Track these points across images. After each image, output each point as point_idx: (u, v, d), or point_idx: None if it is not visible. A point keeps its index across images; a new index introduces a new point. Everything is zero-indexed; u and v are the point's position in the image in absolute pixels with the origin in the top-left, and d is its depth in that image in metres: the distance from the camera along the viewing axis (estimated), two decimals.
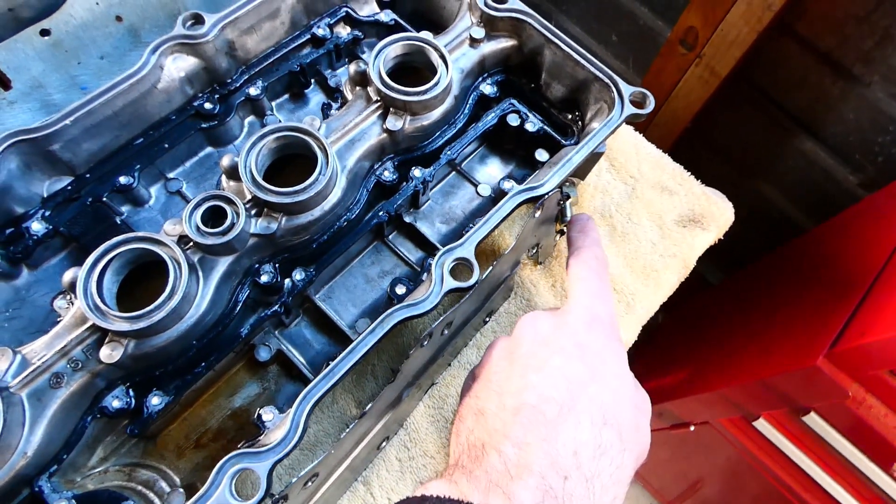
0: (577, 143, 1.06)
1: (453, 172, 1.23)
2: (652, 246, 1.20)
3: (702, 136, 2.59)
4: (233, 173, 0.95)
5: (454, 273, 0.92)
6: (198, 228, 0.90)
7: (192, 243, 0.91)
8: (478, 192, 1.20)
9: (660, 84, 2.49)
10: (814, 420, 1.35)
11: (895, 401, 1.21)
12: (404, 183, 1.11)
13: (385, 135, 1.07)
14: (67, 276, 0.78)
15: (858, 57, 1.97)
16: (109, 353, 0.77)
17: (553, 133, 1.18)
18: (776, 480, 1.64)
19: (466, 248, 0.93)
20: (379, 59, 1.05)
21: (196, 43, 1.04)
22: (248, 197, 0.95)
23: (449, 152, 1.14)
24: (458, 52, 1.14)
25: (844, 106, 2.11)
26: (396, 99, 1.03)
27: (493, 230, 0.95)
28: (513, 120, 1.19)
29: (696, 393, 1.81)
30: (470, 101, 1.18)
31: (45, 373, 0.74)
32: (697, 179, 1.29)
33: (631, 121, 1.09)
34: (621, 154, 1.30)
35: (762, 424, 1.55)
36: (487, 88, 1.20)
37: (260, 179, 0.93)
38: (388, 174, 1.10)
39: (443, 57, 1.07)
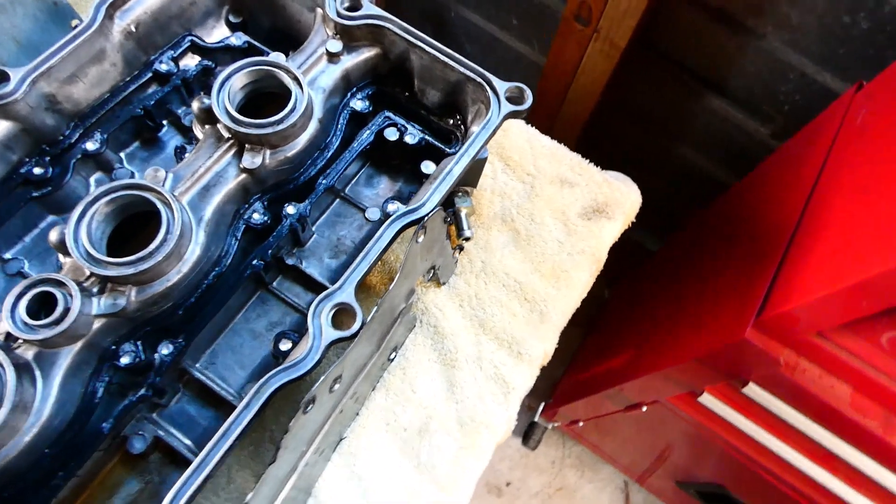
0: (457, 151, 0.98)
1: (337, 200, 1.12)
2: (559, 245, 1.14)
3: (617, 108, 2.57)
4: (63, 248, 0.82)
5: (336, 321, 0.82)
6: (24, 324, 0.77)
7: (20, 341, 0.78)
8: (366, 218, 1.10)
9: (564, 62, 2.44)
10: (753, 391, 1.32)
11: (827, 362, 1.19)
12: (280, 223, 0.99)
13: (245, 175, 0.95)
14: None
15: (749, 9, 1.95)
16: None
17: (435, 142, 1.09)
18: (733, 449, 1.62)
19: (345, 292, 0.83)
20: (223, 91, 0.93)
21: (3, 104, 0.90)
22: (87, 274, 0.83)
23: (325, 181, 1.04)
24: (317, 70, 1.04)
25: (743, 59, 2.10)
26: (249, 134, 0.92)
27: (374, 264, 0.86)
28: (391, 134, 1.09)
29: (642, 374, 1.77)
30: (341, 121, 1.08)
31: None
32: (598, 166, 1.23)
33: (512, 118, 1.01)
34: (515, 151, 1.22)
35: (707, 399, 1.52)
36: (358, 104, 1.10)
37: (94, 252, 0.80)
38: (257, 216, 0.99)
39: (295, 79, 0.96)
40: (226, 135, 0.95)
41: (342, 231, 1.10)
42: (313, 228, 1.09)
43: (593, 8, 2.15)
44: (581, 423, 2.64)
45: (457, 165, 0.94)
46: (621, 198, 1.19)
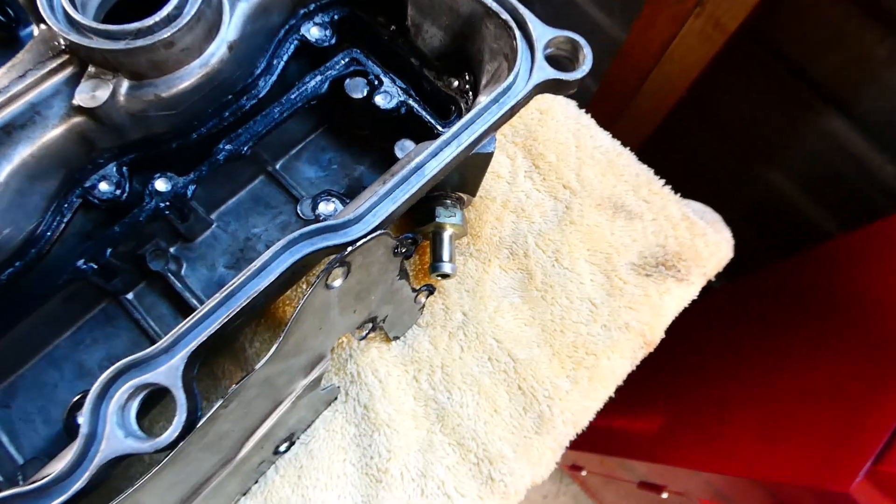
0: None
1: (262, 177, 0.72)
2: (591, 310, 0.71)
3: (699, 109, 2.08)
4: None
5: (143, 415, 0.43)
6: None
7: None
8: (298, 213, 0.70)
9: (649, 41, 1.96)
10: None
11: None
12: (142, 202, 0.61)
13: (81, 117, 0.56)
14: None
15: None
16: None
17: (423, 112, 0.67)
18: None
19: (165, 370, 0.44)
20: None
21: None
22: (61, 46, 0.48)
23: (230, 145, 0.64)
24: None
25: (891, 73, 1.59)
26: (93, 49, 0.53)
27: (230, 320, 0.46)
28: (354, 88, 0.68)
29: (676, 463, 1.34)
30: (280, 54, 0.67)
31: None
32: (676, 192, 0.78)
33: (552, 91, 0.59)
34: (552, 147, 0.79)
35: None
36: (314, 31, 0.68)
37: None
38: (104, 186, 0.60)
39: None
40: (60, 44, 0.55)
41: (258, 226, 0.71)
42: (212, 216, 0.70)
43: None
44: (584, 473, 2.23)
45: (433, 160, 0.53)
46: (705, 249, 0.75)
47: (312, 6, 0.69)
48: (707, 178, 2.26)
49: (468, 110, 0.66)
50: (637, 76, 2.09)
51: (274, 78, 0.67)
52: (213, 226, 0.70)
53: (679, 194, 0.81)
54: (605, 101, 2.35)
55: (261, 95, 0.66)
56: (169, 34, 0.54)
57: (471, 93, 0.68)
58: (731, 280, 2.41)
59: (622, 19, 2.23)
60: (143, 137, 0.62)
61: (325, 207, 0.63)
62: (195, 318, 0.46)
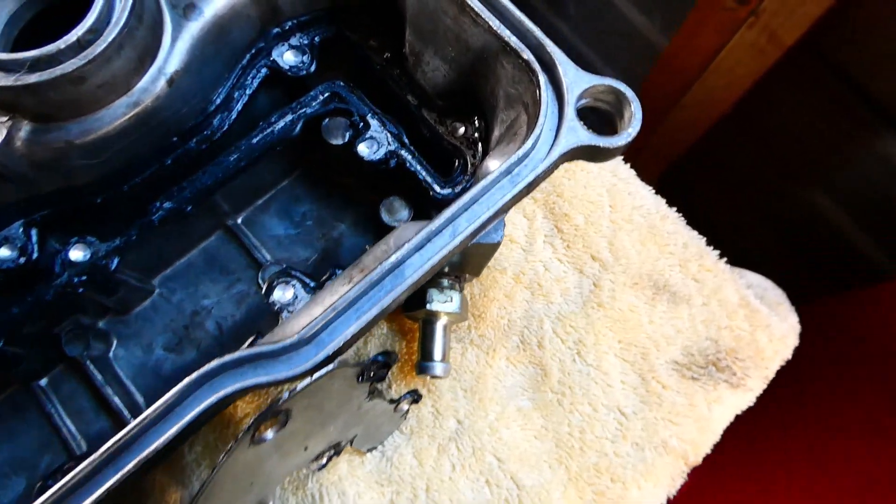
0: (461, 193, 0.42)
1: (218, 232, 0.59)
2: (620, 422, 0.56)
3: (743, 124, 1.90)
4: None
5: None
6: None
7: None
8: (260, 281, 0.56)
9: (693, 50, 1.78)
10: None
11: None
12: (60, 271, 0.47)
13: None
14: None
15: None
16: None
17: (417, 166, 0.53)
18: None
19: None
20: None
21: None
22: None
23: (170, 203, 0.50)
24: None
25: None
26: None
27: (122, 479, 0.33)
28: (334, 131, 0.54)
29: None
30: (246, 86, 0.53)
31: None
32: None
33: (587, 158, 0.44)
34: (580, 206, 0.64)
35: None
36: (289, 56, 0.54)
37: None
38: (5, 252, 0.47)
39: None
40: None
41: (209, 296, 0.57)
42: (154, 281, 0.57)
43: None
44: None
45: (417, 255, 0.38)
46: (768, 346, 0.59)
47: (288, 24, 0.55)
48: (747, 198, 2.08)
49: (475, 168, 0.51)
50: (678, 87, 1.91)
51: (234, 116, 0.53)
52: (155, 293, 0.57)
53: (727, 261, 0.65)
54: (642, 109, 2.17)
55: (215, 137, 0.52)
56: (78, 66, 0.41)
57: (480, 144, 0.53)
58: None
59: (663, 23, 2.05)
60: (58, 190, 0.48)
61: (281, 294, 0.48)
62: (76, 479, 0.33)
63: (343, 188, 0.61)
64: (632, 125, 0.42)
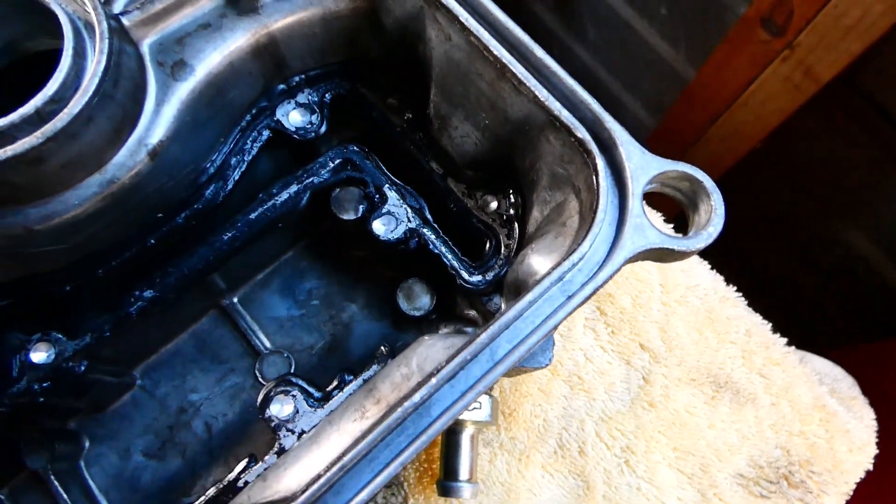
0: (494, 281, 0.35)
1: (212, 313, 0.51)
2: None
3: (774, 157, 1.82)
4: None
5: None
6: None
7: None
8: (258, 374, 0.48)
9: (723, 82, 1.71)
10: None
11: None
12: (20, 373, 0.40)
13: None
14: None
15: None
16: None
17: (442, 248, 0.45)
18: None
19: None
20: None
21: None
22: None
23: (151, 292, 0.42)
24: (194, 15, 0.41)
25: None
26: None
27: None
28: (345, 204, 0.46)
29: None
30: (246, 152, 0.46)
31: None
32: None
33: (656, 259, 0.35)
34: (627, 285, 0.56)
35: None
36: (295, 116, 0.47)
37: None
38: None
39: (85, 29, 0.35)
40: None
41: (199, 390, 0.49)
42: (135, 371, 0.49)
43: (797, 14, 1.40)
44: None
45: (448, 389, 0.30)
46: (847, 456, 0.50)
47: (295, 80, 0.48)
48: (776, 232, 1.99)
49: (510, 252, 0.43)
50: (705, 119, 1.84)
51: (230, 186, 0.45)
52: (135, 386, 0.49)
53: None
54: (664, 141, 2.10)
55: (207, 211, 0.45)
56: (35, 145, 0.33)
57: (516, 223, 0.45)
58: (802, 349, 2.12)
59: (689, 52, 1.98)
60: (18, 279, 0.41)
61: (279, 409, 0.40)
62: None
63: (353, 261, 0.54)
64: (712, 223, 0.34)
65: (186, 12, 0.42)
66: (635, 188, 0.35)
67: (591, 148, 0.35)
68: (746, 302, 0.57)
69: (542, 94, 0.36)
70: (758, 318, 0.56)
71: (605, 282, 0.33)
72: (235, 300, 0.52)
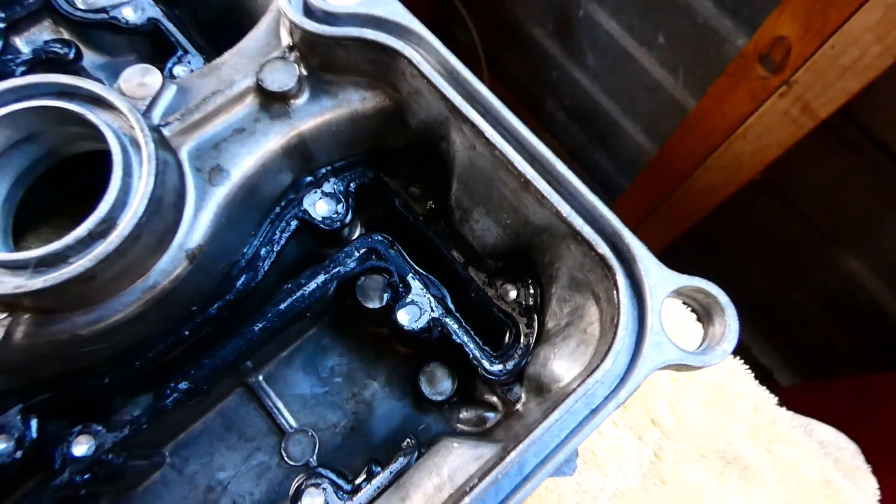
0: (514, 371, 0.37)
1: (239, 391, 0.53)
2: None
3: (771, 188, 1.85)
4: None
5: None
6: None
7: None
8: (285, 455, 0.50)
9: (721, 115, 1.74)
10: None
11: None
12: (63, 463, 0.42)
13: None
14: None
15: None
16: None
17: (464, 338, 0.47)
18: None
19: None
20: None
21: None
22: None
23: (186, 384, 0.44)
24: (223, 123, 0.44)
25: None
26: None
27: None
28: (370, 293, 0.48)
29: None
30: (275, 242, 0.48)
31: None
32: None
33: (675, 369, 0.37)
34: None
35: None
36: (322, 207, 0.49)
37: None
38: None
39: (131, 146, 0.36)
40: None
41: (226, 468, 0.51)
42: (165, 450, 0.50)
43: (794, 51, 1.43)
44: None
45: None
46: None
47: (322, 171, 0.50)
48: (776, 260, 2.01)
49: (528, 343, 0.45)
50: (704, 149, 1.87)
51: (260, 276, 0.47)
52: (165, 465, 0.50)
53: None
54: (664, 168, 2.13)
55: (239, 299, 0.47)
56: (88, 267, 0.35)
57: (535, 314, 0.47)
58: (804, 377, 2.14)
59: (687, 81, 2.02)
60: (59, 375, 0.43)
61: (310, 502, 0.42)
62: None
63: (375, 338, 0.56)
64: (727, 339, 0.36)
65: (222, 119, 0.44)
66: (654, 304, 0.37)
67: (612, 264, 0.37)
68: (753, 375, 0.59)
69: (565, 209, 0.38)
70: (764, 391, 0.58)
71: (627, 398, 0.35)
72: (261, 378, 0.53)
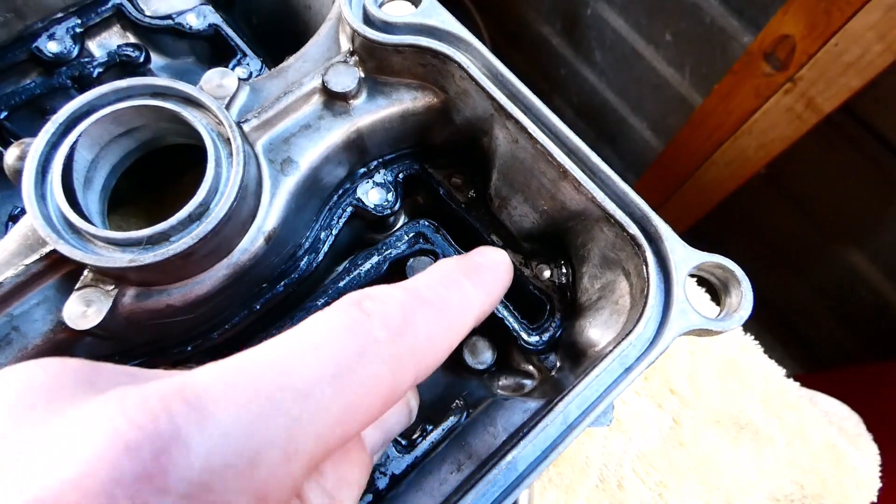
0: (549, 342, 0.42)
1: None
2: None
3: (775, 183, 1.89)
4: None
5: None
6: None
7: None
8: None
9: (728, 111, 1.79)
10: None
11: None
12: None
13: (69, 334, 0.43)
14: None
15: None
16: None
17: (505, 313, 0.52)
18: None
19: None
20: (60, 149, 0.41)
21: None
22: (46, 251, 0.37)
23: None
24: (293, 121, 0.49)
25: None
26: (96, 266, 0.40)
27: None
28: (417, 272, 0.53)
29: None
30: (333, 227, 0.53)
31: None
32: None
33: (698, 334, 0.43)
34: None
35: None
36: (374, 195, 0.54)
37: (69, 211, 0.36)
38: None
39: (224, 143, 0.42)
40: (46, 247, 0.43)
41: None
42: None
43: (799, 48, 1.48)
44: None
45: (526, 445, 0.38)
46: (855, 492, 0.58)
47: (374, 163, 0.55)
48: (779, 254, 2.06)
49: (562, 317, 0.51)
50: (710, 144, 1.92)
51: (321, 257, 0.53)
52: None
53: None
54: (671, 163, 2.17)
55: (303, 279, 0.53)
56: (190, 245, 0.41)
57: (568, 292, 0.53)
58: (807, 370, 2.19)
59: (693, 80, 2.06)
60: (150, 341, 0.49)
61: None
62: None
63: None
64: (742, 307, 0.42)
65: (292, 116, 0.49)
66: (679, 277, 0.42)
67: (641, 243, 0.43)
68: (763, 350, 0.64)
69: (599, 195, 0.44)
70: (773, 364, 0.64)
71: (657, 358, 0.40)
72: None
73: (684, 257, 0.42)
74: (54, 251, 0.43)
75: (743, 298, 0.42)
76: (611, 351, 0.40)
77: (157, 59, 0.66)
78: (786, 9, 1.46)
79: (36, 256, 0.43)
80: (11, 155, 0.44)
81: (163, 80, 0.44)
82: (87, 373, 0.29)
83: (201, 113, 0.45)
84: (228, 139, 0.43)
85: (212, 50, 0.67)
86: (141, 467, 0.22)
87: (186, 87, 0.44)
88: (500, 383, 0.54)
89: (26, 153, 0.43)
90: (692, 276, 0.44)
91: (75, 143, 0.42)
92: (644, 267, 0.42)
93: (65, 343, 0.44)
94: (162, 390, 0.24)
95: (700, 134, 1.93)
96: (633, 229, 0.43)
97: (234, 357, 0.27)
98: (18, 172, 0.43)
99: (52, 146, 0.42)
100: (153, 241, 0.41)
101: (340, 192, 0.54)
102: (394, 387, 0.30)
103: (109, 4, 0.62)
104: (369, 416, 0.29)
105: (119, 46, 0.61)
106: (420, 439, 0.48)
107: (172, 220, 0.41)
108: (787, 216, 2.00)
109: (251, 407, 0.25)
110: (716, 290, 0.44)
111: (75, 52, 0.60)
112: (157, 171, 0.51)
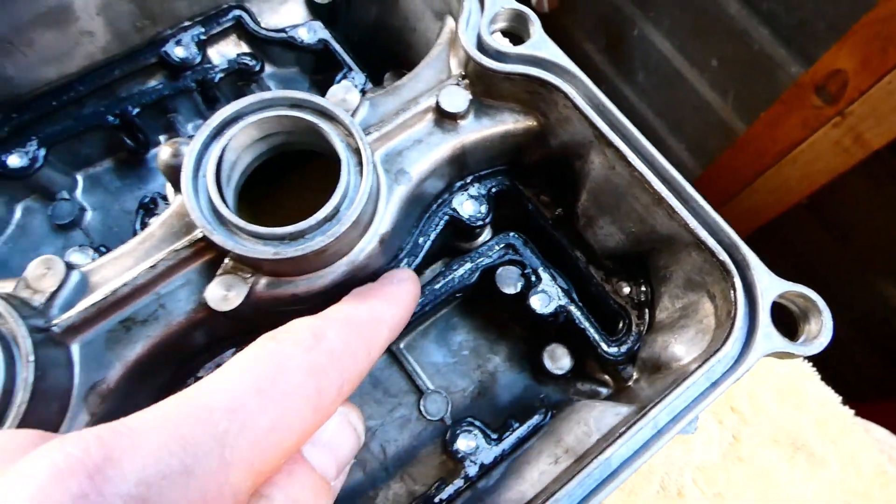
0: (627, 353, 0.47)
1: (384, 356, 0.63)
2: None
3: (817, 212, 1.90)
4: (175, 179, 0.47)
5: None
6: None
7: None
8: (421, 410, 0.61)
9: (773, 140, 1.80)
10: None
11: None
12: None
13: (208, 313, 0.49)
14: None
15: None
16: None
17: (586, 323, 0.56)
18: None
19: None
20: (211, 150, 0.47)
21: None
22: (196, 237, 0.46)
23: None
24: (407, 137, 0.54)
25: None
26: (240, 255, 0.45)
27: None
28: (507, 280, 0.58)
29: None
30: (430, 233, 0.58)
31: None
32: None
33: (777, 356, 0.47)
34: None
35: None
36: (468, 206, 0.59)
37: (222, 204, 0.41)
38: None
39: (355, 152, 0.47)
40: (197, 233, 0.48)
41: (374, 417, 0.61)
42: None
43: (851, 84, 1.50)
44: None
45: (621, 446, 0.42)
46: None
47: (470, 177, 0.60)
48: (816, 283, 2.06)
49: (640, 332, 0.55)
50: (752, 171, 1.94)
51: (419, 260, 0.58)
52: None
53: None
54: (709, 187, 2.19)
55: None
56: (326, 243, 0.46)
57: (647, 310, 0.57)
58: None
59: (736, 105, 2.08)
60: (265, 326, 0.53)
61: (465, 444, 0.52)
62: None
63: (497, 320, 0.66)
64: (823, 335, 0.45)
65: (408, 132, 0.54)
66: (764, 304, 0.46)
67: (730, 269, 0.47)
68: (820, 377, 0.67)
69: (692, 223, 0.48)
70: (829, 391, 0.67)
71: (742, 375, 0.44)
72: (402, 346, 0.64)
73: (769, 285, 0.46)
74: (201, 239, 0.49)
75: (823, 327, 0.45)
76: (699, 366, 0.44)
77: (266, 68, 0.72)
78: (841, 44, 1.48)
79: (185, 242, 0.48)
80: (166, 152, 0.49)
81: (301, 94, 0.49)
82: (34, 439, 0.30)
83: (332, 125, 0.50)
84: (357, 150, 0.48)
85: (316, 62, 0.72)
86: (77, 487, 0.24)
87: (322, 101, 0.49)
88: (578, 388, 0.58)
89: (180, 152, 0.48)
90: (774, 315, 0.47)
91: (226, 145, 0.47)
92: (732, 291, 0.46)
93: (201, 322, 0.49)
94: (96, 429, 0.27)
95: (742, 159, 1.94)
96: (723, 256, 0.47)
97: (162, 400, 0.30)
98: (172, 168, 0.49)
99: (206, 147, 0.47)
100: (292, 238, 0.46)
101: (439, 202, 0.59)
102: (319, 391, 0.33)
103: (230, 16, 0.68)
104: (303, 424, 0.31)
105: (238, 55, 0.67)
106: (508, 434, 0.53)
107: (311, 221, 0.46)
108: (826, 246, 2.00)
109: (181, 426, 0.27)
110: (794, 317, 0.48)
111: (199, 59, 0.66)
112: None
